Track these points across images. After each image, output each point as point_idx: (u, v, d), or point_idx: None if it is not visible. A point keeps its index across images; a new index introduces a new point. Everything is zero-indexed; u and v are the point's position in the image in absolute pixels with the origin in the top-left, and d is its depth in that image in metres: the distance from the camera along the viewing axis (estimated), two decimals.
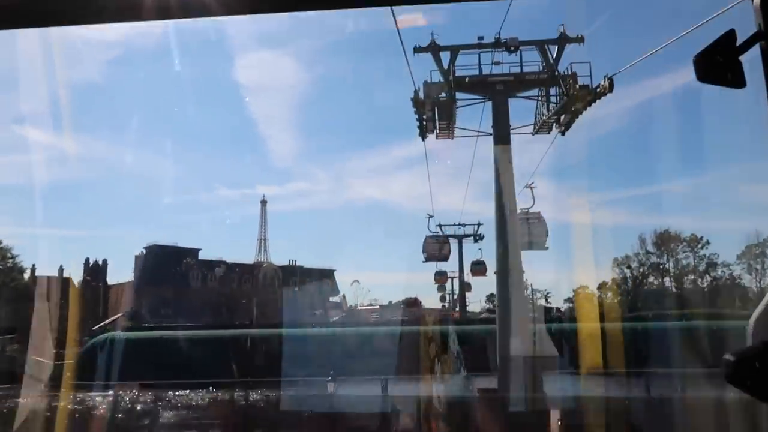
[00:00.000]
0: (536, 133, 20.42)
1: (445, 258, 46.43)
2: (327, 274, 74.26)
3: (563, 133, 19.74)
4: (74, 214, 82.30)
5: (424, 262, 42.54)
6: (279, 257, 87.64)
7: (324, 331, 30.54)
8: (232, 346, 26.64)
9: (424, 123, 19.66)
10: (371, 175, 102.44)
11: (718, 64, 1.92)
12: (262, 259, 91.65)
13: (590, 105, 17.33)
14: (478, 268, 49.85)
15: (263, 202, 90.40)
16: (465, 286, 61.48)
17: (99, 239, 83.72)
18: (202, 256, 64.89)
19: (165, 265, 56.71)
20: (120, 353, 27.91)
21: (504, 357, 17.10)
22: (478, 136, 20.03)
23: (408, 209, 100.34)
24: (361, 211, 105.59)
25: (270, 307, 63.06)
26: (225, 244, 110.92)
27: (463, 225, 52.88)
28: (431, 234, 41.12)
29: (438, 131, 20.60)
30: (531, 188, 23.42)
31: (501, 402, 16.96)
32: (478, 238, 54.07)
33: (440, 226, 47.90)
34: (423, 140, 20.28)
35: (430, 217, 40.54)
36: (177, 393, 25.97)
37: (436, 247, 42.01)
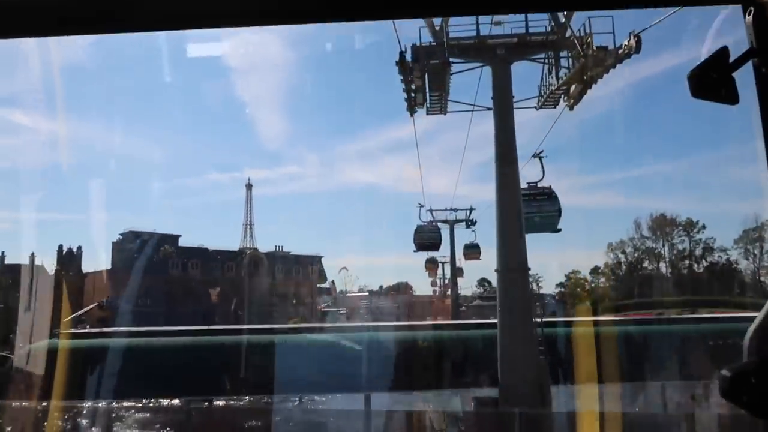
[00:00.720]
0: (541, 107, 17.59)
1: (436, 248, 44.68)
2: (314, 261, 71.68)
3: (572, 108, 16.94)
4: (51, 198, 78.91)
5: (415, 251, 41.29)
6: (266, 243, 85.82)
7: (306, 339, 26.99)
8: (203, 355, 21.75)
9: (413, 94, 16.74)
10: (362, 158, 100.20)
11: (712, 80, 1.98)
12: (248, 245, 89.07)
13: (609, 70, 14.51)
14: (472, 251, 48.13)
15: (248, 186, 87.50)
16: (457, 272, 59.63)
17: (77, 224, 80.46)
18: (182, 242, 62.10)
19: (142, 252, 53.76)
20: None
21: (506, 368, 14.48)
22: (473, 110, 17.15)
23: (400, 193, 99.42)
24: (352, 195, 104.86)
25: (255, 294, 60.42)
26: (210, 229, 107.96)
27: (455, 210, 51.45)
28: (422, 224, 40.50)
29: (429, 105, 17.67)
30: (540, 157, 20.44)
31: (503, 418, 14.24)
32: (470, 223, 51.94)
33: (431, 211, 46.51)
34: (411, 115, 17.42)
35: (421, 206, 40.20)
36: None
37: (427, 237, 40.86)
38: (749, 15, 2.01)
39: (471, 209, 51.74)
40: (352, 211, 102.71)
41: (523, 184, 19.32)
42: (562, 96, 17.38)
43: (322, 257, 73.38)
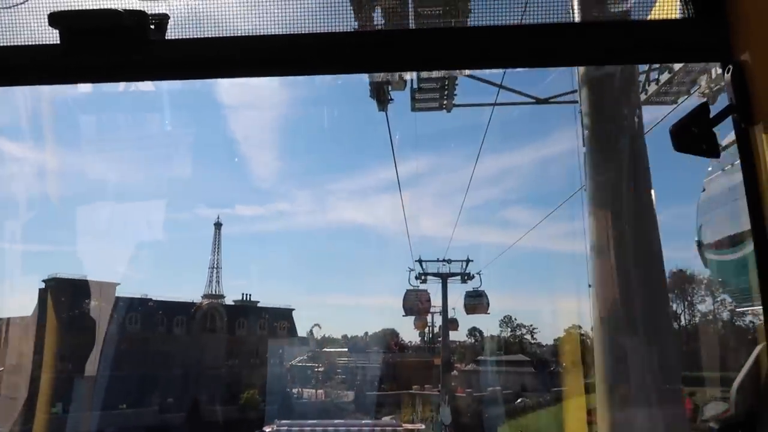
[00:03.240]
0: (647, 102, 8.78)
1: (426, 312, 43.86)
2: (285, 315, 61.67)
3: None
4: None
5: (403, 316, 40.17)
6: (238, 289, 77.82)
7: None
8: None
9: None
10: (353, 197, 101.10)
11: (693, 135, 2.08)
12: (214, 292, 79.23)
13: None
14: (475, 302, 40.27)
15: (217, 225, 78.18)
16: (451, 324, 51.91)
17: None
18: (125, 292, 52.23)
19: (67, 303, 43.86)
20: None
21: None
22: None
23: (391, 232, 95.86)
24: (341, 234, 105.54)
25: (206, 356, 50.34)
26: (183, 274, 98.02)
27: (449, 262, 44.13)
28: (412, 288, 39.10)
29: (416, 94, 8.66)
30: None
31: None
32: (466, 278, 44.21)
33: (420, 261, 42.03)
34: (381, 110, 8.36)
35: (411, 270, 39.10)
36: None
37: (416, 302, 39.60)
38: (728, 73, 2.08)
39: (468, 261, 44.32)
40: (341, 250, 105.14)
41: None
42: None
43: (293, 310, 63.85)
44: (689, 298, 67.63)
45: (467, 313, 41.58)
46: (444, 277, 47.67)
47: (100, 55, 2.35)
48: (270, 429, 41.01)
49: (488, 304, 39.21)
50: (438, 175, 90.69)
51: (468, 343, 78.84)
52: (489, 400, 53.80)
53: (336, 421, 43.46)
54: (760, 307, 1.99)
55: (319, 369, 77.79)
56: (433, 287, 47.83)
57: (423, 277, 45.33)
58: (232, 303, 66.17)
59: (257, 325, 59.05)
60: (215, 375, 49.39)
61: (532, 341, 78.97)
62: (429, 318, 56.83)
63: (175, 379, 43.65)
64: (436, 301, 46.60)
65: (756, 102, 2.04)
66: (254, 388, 49.99)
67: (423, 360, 69.84)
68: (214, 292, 79.63)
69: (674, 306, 66.26)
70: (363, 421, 43.27)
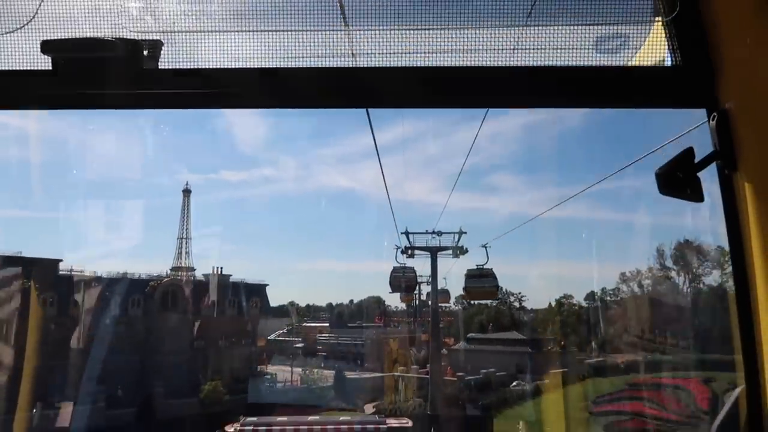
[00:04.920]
0: None
1: (412, 290, 41.67)
2: (256, 290, 56.01)
3: None
4: None
5: (390, 293, 39.98)
6: (211, 261, 73.40)
7: None
8: None
9: None
10: (340, 162, 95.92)
11: (678, 179, 2.14)
12: (183, 264, 73.37)
13: None
14: (481, 285, 32.78)
15: (186, 192, 71.51)
16: (441, 296, 47.34)
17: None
18: (93, 268, 46.17)
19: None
20: None
21: None
22: None
23: (377, 199, 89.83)
24: (327, 200, 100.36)
25: (166, 341, 44.65)
26: (148, 248, 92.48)
27: (439, 234, 39.65)
28: (399, 265, 37.22)
29: None
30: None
31: None
32: (459, 252, 39.57)
33: (407, 234, 38.44)
34: None
35: (397, 248, 37.40)
36: None
37: (402, 280, 37.52)
38: (713, 120, 2.15)
39: (461, 233, 39.84)
40: (325, 216, 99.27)
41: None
42: None
43: (266, 285, 58.12)
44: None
45: (469, 299, 36.24)
46: (433, 251, 42.89)
47: (92, 84, 2.40)
48: (233, 428, 35.71)
49: (497, 288, 32.66)
50: (426, 141, 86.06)
51: (457, 313, 73.83)
52: (482, 385, 48.97)
53: (310, 418, 38.16)
54: None
55: (299, 345, 73.25)
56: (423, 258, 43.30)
57: (410, 252, 40.33)
58: (201, 277, 60.70)
59: (226, 302, 53.20)
60: (175, 363, 43.88)
61: (525, 315, 73.99)
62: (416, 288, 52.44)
63: (126, 369, 37.92)
64: (426, 268, 43.18)
65: (739, 149, 2.10)
66: (219, 377, 44.50)
67: (410, 336, 64.99)
68: (183, 265, 74.06)
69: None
70: (341, 418, 37.70)
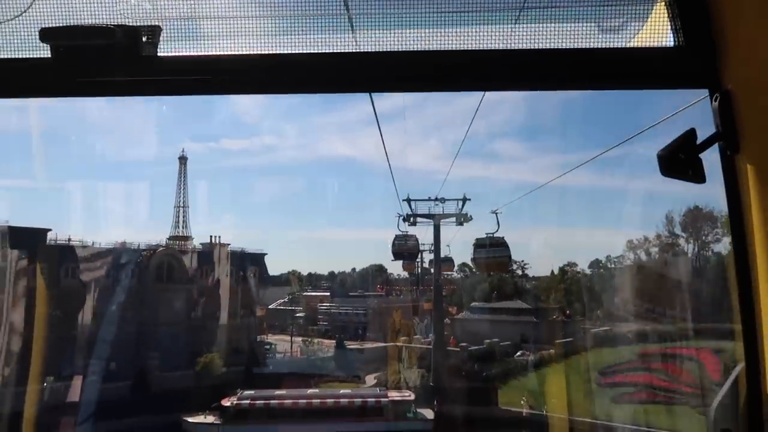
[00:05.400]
0: None
1: (414, 257, 42.58)
2: (255, 259, 54.67)
3: None
4: None
5: (392, 260, 40.82)
6: (212, 230, 73.15)
7: None
8: None
9: None
10: (341, 130, 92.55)
11: (680, 160, 2.11)
12: (181, 233, 72.02)
13: None
14: (493, 256, 30.16)
15: (182, 159, 69.66)
16: (444, 264, 48.77)
17: None
18: (91, 238, 44.76)
19: None
20: None
21: None
22: None
23: (379, 167, 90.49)
24: (329, 168, 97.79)
25: (161, 314, 43.55)
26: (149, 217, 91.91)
27: (442, 200, 39.79)
28: (400, 233, 37.41)
29: None
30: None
31: None
32: (463, 219, 39.78)
33: (409, 201, 38.62)
34: None
35: (399, 216, 37.27)
36: None
37: (404, 248, 37.84)
38: (716, 101, 2.14)
39: (464, 200, 40.01)
40: (328, 184, 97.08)
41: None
42: None
43: (265, 254, 56.72)
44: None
45: (479, 271, 34.24)
46: (436, 219, 41.65)
47: (91, 71, 2.40)
48: (230, 402, 34.80)
49: (510, 259, 30.33)
50: (427, 109, 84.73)
51: (460, 282, 72.61)
52: (486, 355, 47.81)
53: (309, 391, 37.40)
54: None
55: (299, 314, 72.44)
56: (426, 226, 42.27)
57: (412, 219, 39.17)
58: (199, 246, 59.33)
59: (224, 272, 51.80)
60: (171, 334, 42.84)
61: (528, 283, 72.66)
62: (419, 256, 52.28)
63: (119, 342, 36.78)
64: (429, 236, 43.50)
65: (742, 130, 2.08)
66: (217, 349, 43.42)
67: (413, 306, 63.82)
68: (180, 234, 72.70)
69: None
70: (341, 391, 36.76)
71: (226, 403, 34.27)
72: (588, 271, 70.63)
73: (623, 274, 62.93)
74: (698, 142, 2.10)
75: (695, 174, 2.10)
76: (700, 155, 2.09)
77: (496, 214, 28.96)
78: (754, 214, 2.04)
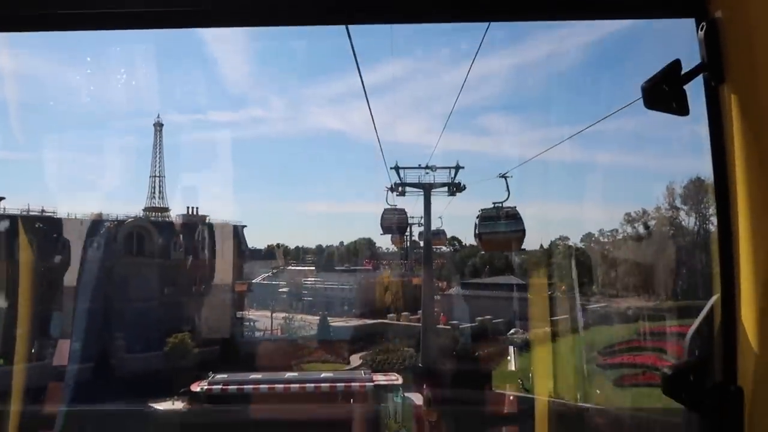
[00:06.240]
0: None
1: (403, 231, 42.18)
2: (233, 232, 51.43)
3: None
4: None
5: (381, 234, 39.24)
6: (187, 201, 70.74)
7: None
8: None
9: None
10: (330, 103, 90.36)
11: (664, 92, 2.10)
12: (157, 204, 68.66)
13: None
14: (499, 231, 24.13)
15: (157, 126, 65.86)
16: (435, 238, 46.01)
17: None
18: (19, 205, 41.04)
19: None
20: None
21: None
22: None
23: (367, 140, 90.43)
24: (318, 142, 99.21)
25: (131, 285, 40.42)
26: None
27: (433, 169, 36.42)
28: (389, 207, 36.65)
29: None
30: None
31: None
32: (455, 189, 37.03)
33: (398, 169, 35.86)
34: None
35: (387, 189, 36.15)
36: None
37: (393, 221, 37.42)
38: (702, 30, 2.09)
39: (457, 167, 36.71)
40: (315, 157, 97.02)
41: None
42: None
43: (244, 226, 53.42)
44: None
45: (485, 249, 29.58)
46: (426, 188, 38.75)
47: (61, 2, 2.30)
48: (200, 387, 31.81)
49: (524, 233, 24.69)
50: (416, 81, 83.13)
51: (449, 256, 70.27)
52: (478, 333, 45.34)
53: (288, 375, 34.50)
54: None
55: (283, 290, 69.85)
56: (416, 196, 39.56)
57: (401, 189, 36.35)
58: (176, 218, 56.21)
59: (200, 245, 48.62)
60: (140, 312, 39.62)
61: (520, 257, 70.33)
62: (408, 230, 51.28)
63: (82, 321, 33.61)
64: (420, 208, 40.38)
65: (728, 60, 2.06)
66: (190, 327, 40.38)
67: (401, 280, 61.33)
68: (156, 205, 69.36)
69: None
70: (322, 375, 33.82)
71: (196, 388, 31.27)
72: (581, 245, 68.79)
73: (621, 249, 60.78)
74: (682, 73, 2.07)
75: (679, 106, 2.08)
76: (684, 87, 2.06)
77: (506, 178, 23.40)
78: (736, 144, 2.02)
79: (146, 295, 42.16)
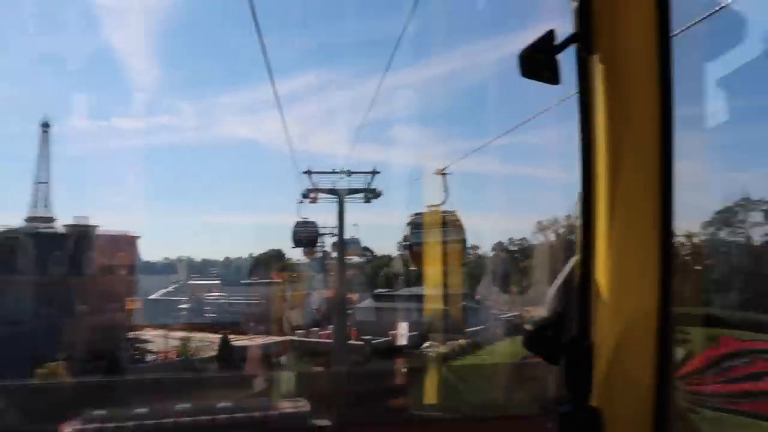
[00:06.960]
0: None
1: (313, 244, 39.78)
2: (126, 243, 46.61)
3: None
4: None
5: (292, 248, 38.54)
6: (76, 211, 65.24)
7: None
8: None
9: None
10: (243, 112, 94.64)
11: (539, 61, 2.08)
12: (39, 214, 62.00)
13: None
14: (443, 240, 20.36)
15: (44, 126, 59.76)
16: (351, 249, 45.97)
17: None
18: None
19: None
20: None
21: None
22: None
23: (279, 149, 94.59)
24: (229, 150, 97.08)
25: None
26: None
27: (349, 174, 35.24)
28: (301, 220, 36.01)
29: None
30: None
31: None
32: (371, 195, 36.19)
33: (309, 173, 34.59)
34: None
35: (300, 201, 35.11)
36: None
37: (303, 235, 36.94)
38: (575, 0, 2.12)
39: (374, 172, 35.52)
40: (224, 167, 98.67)
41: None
42: None
43: (137, 237, 48.58)
44: None
45: (416, 265, 22.84)
46: (341, 194, 36.65)
47: None
48: (70, 429, 27.34)
49: (465, 243, 21.15)
50: (330, 91, 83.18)
51: (361, 266, 68.25)
52: (391, 349, 43.04)
53: (179, 407, 30.50)
54: None
55: (183, 306, 64.99)
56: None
57: (312, 196, 34.25)
58: (58, 228, 50.51)
59: (85, 258, 43.39)
60: (6, 337, 34.10)
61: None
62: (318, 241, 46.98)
63: None
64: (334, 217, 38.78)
65: (599, 32, 2.08)
66: (66, 355, 35.23)
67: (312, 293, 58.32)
68: (39, 215, 62.50)
69: None
70: (218, 405, 29.79)
71: (66, 429, 26.77)
72: (491, 254, 68.73)
73: (531, 256, 60.83)
74: (556, 43, 2.06)
75: (551, 75, 2.06)
76: (558, 57, 2.05)
77: (444, 174, 18.96)
78: (598, 116, 2.04)
79: (13, 318, 36.62)
